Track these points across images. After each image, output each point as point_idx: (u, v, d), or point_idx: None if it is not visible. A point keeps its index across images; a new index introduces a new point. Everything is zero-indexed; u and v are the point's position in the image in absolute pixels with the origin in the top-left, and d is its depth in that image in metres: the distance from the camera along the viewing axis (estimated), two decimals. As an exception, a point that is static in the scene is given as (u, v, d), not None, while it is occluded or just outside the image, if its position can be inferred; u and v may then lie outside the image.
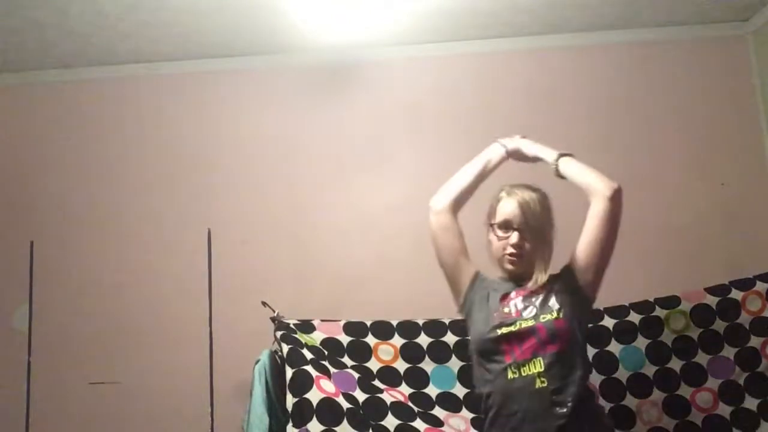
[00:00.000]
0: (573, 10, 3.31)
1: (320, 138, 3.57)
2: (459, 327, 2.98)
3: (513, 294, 2.21)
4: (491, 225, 2.26)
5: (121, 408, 3.35)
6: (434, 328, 2.98)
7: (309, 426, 2.60)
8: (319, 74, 3.63)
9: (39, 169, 3.63)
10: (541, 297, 2.17)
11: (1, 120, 3.68)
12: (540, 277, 2.20)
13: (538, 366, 2.04)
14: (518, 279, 2.25)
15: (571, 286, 2.19)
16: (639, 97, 3.52)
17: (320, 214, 3.50)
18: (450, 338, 2.95)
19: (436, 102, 3.58)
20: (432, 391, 2.88)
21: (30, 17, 3.09)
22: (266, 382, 2.80)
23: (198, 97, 3.64)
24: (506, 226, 2.22)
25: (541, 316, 2.11)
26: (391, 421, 2.69)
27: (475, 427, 2.78)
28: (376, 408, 2.73)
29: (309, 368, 2.72)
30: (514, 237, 2.19)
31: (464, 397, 2.86)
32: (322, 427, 2.60)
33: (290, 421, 2.62)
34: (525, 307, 2.16)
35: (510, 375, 2.05)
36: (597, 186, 2.23)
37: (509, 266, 2.23)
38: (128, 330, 3.42)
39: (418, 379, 2.89)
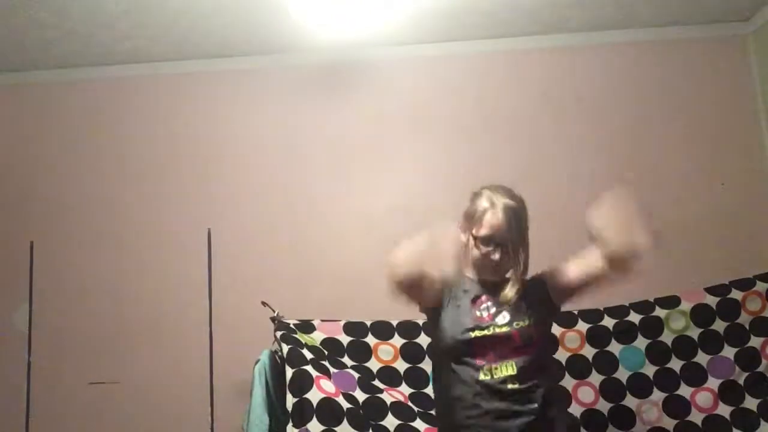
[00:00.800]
0: (573, 10, 3.31)
1: (320, 138, 3.57)
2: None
3: (484, 297, 2.19)
4: (474, 236, 2.16)
5: (121, 408, 3.35)
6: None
7: (309, 426, 2.60)
8: (318, 74, 3.63)
9: (39, 169, 3.63)
10: (514, 300, 2.16)
11: (1, 120, 3.68)
12: (510, 293, 2.16)
13: (510, 369, 2.05)
14: (488, 282, 2.21)
15: (542, 296, 2.20)
16: (639, 97, 3.52)
17: (320, 214, 3.50)
18: (450, 338, 2.94)
19: (436, 102, 3.58)
20: (431, 391, 2.88)
21: (30, 17, 3.09)
22: (266, 382, 2.80)
23: (198, 97, 3.64)
24: (491, 240, 2.14)
25: (515, 323, 2.10)
26: (391, 421, 2.69)
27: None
28: (376, 408, 2.73)
29: (309, 368, 2.72)
30: (498, 253, 2.14)
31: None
32: (323, 427, 2.60)
33: (290, 420, 2.62)
34: (498, 312, 2.14)
35: (482, 377, 2.06)
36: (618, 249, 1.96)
37: (486, 276, 2.19)
38: (128, 330, 3.42)
39: (418, 379, 2.89)
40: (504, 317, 2.11)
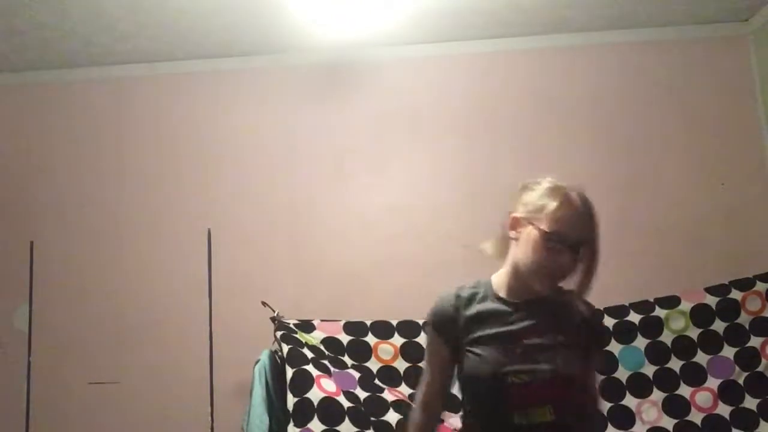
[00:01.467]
0: (573, 10, 3.31)
1: (320, 138, 3.57)
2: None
3: (528, 327, 1.78)
4: (541, 231, 1.75)
5: (121, 408, 3.35)
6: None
7: (311, 425, 2.60)
8: (318, 74, 3.63)
9: (39, 169, 3.63)
10: (561, 339, 1.78)
11: (1, 120, 3.68)
12: (568, 314, 1.82)
13: (548, 414, 1.75)
14: (529, 304, 1.80)
15: (588, 334, 1.86)
16: (639, 98, 3.52)
17: (321, 214, 3.50)
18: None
19: (435, 102, 3.58)
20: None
21: (30, 17, 3.09)
22: (266, 382, 2.80)
23: (198, 97, 3.64)
24: (564, 240, 1.74)
25: (563, 366, 1.76)
26: (392, 417, 2.69)
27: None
28: (377, 405, 2.74)
29: (309, 368, 2.72)
30: (570, 256, 1.74)
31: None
32: (324, 427, 2.60)
33: (291, 420, 2.62)
34: (543, 351, 1.76)
35: (516, 420, 1.74)
36: None
37: (543, 287, 1.77)
38: (128, 330, 3.43)
39: (418, 378, 2.89)
40: (549, 359, 1.75)
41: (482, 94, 3.56)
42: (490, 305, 1.82)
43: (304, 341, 2.85)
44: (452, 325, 1.82)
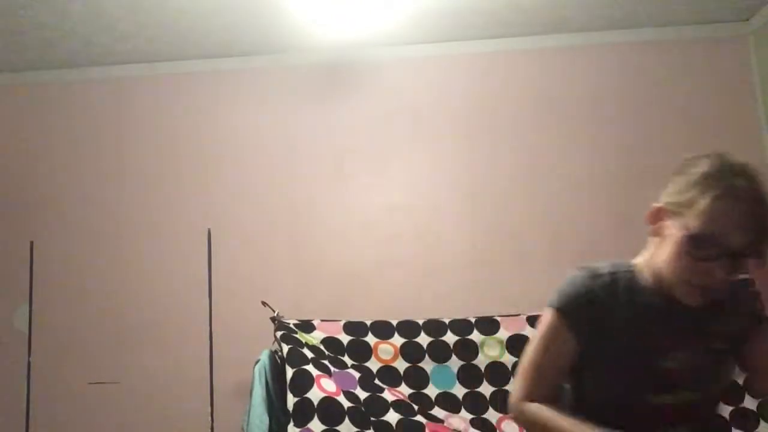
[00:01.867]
0: (573, 10, 3.31)
1: (320, 137, 3.57)
2: (459, 327, 2.99)
3: (674, 336, 1.44)
4: (686, 233, 1.35)
5: (121, 408, 3.35)
6: (434, 327, 2.98)
7: (311, 425, 2.60)
8: (318, 74, 3.63)
9: (39, 169, 3.63)
10: (715, 346, 1.47)
11: (1, 120, 3.68)
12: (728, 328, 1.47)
13: None
14: (687, 305, 1.42)
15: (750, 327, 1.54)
16: (639, 97, 3.52)
17: (321, 214, 3.50)
18: (450, 338, 2.95)
19: (435, 102, 3.58)
20: (432, 391, 2.88)
21: (30, 17, 3.09)
22: (266, 383, 2.80)
23: (198, 97, 3.65)
24: (717, 247, 1.32)
25: (712, 384, 1.48)
26: (392, 417, 2.69)
27: (474, 427, 2.79)
28: (377, 405, 2.74)
29: (309, 368, 2.72)
30: (726, 268, 1.34)
31: (464, 397, 2.87)
32: (324, 427, 2.60)
33: (291, 420, 2.62)
34: (693, 369, 1.43)
35: None
36: None
37: (689, 301, 1.40)
38: (128, 330, 3.43)
39: (418, 378, 2.90)
40: (698, 379, 1.43)
41: (482, 94, 3.56)
42: (631, 299, 1.45)
43: (304, 341, 2.85)
44: (587, 314, 1.43)
